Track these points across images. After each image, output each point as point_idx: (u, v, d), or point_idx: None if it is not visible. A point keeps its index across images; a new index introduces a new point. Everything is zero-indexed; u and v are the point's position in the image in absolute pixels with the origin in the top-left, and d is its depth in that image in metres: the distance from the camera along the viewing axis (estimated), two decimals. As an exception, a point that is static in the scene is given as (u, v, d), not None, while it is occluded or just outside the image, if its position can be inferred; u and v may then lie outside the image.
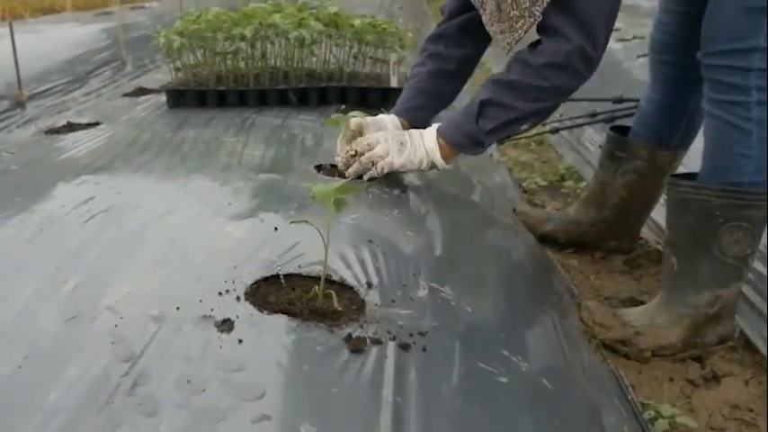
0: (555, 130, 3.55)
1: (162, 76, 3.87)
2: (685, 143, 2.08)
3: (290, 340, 1.05)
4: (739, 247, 1.64)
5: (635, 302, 1.98)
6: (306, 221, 1.18)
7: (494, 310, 1.39)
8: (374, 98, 2.74)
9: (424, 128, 1.94)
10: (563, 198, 2.94)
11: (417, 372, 1.05)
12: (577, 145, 3.43)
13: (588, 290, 2.10)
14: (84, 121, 2.75)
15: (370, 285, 1.26)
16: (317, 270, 1.26)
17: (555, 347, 1.44)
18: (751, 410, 1.56)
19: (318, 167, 1.93)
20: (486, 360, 1.16)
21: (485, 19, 1.71)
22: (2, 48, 4.08)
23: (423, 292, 1.29)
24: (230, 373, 0.96)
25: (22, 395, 0.90)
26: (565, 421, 1.16)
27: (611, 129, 2.25)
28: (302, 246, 1.33)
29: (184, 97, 2.83)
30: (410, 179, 1.89)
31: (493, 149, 3.47)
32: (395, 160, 1.76)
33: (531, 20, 1.61)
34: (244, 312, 1.11)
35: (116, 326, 1.05)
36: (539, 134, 3.68)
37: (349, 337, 1.08)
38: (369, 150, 1.77)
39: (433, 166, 1.79)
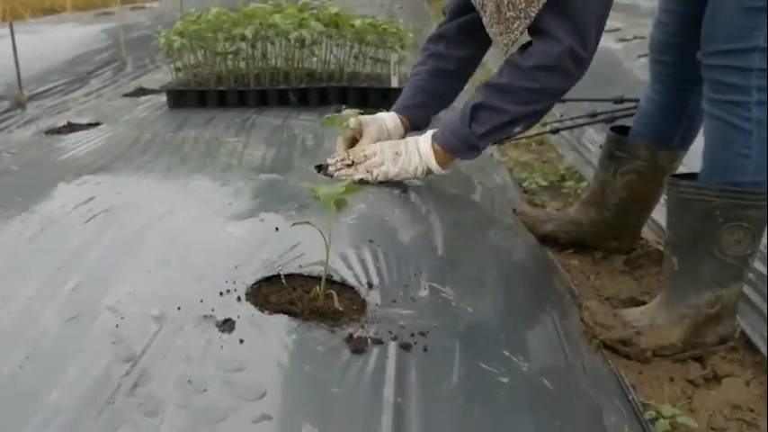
0: (555, 131, 3.55)
1: (162, 76, 3.87)
2: (685, 143, 2.08)
3: (290, 340, 1.05)
4: (740, 246, 1.64)
5: (636, 303, 1.98)
6: (307, 222, 1.18)
7: (494, 311, 1.39)
8: (375, 98, 2.73)
9: (424, 126, 1.96)
10: (563, 198, 2.94)
11: (418, 372, 1.05)
12: (578, 145, 3.43)
13: (589, 290, 2.10)
14: (84, 121, 2.75)
15: (371, 285, 1.26)
16: (317, 270, 1.26)
17: (556, 348, 1.44)
18: (752, 411, 1.56)
19: (319, 167, 1.93)
20: (487, 360, 1.16)
21: (485, 20, 1.71)
22: (2, 48, 4.08)
23: (424, 293, 1.29)
24: (231, 373, 0.96)
25: (22, 395, 0.90)
26: (565, 421, 1.16)
27: (612, 129, 2.25)
28: (303, 246, 1.33)
29: (185, 97, 2.83)
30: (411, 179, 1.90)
31: (493, 150, 3.48)
32: (390, 169, 1.78)
33: (527, 21, 1.61)
34: (245, 312, 1.11)
35: (117, 326, 1.05)
36: (539, 134, 3.69)
37: (350, 338, 1.08)
38: (365, 160, 1.80)
39: (429, 171, 1.80)
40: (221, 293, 1.16)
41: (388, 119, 1.92)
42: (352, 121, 1.86)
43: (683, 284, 1.71)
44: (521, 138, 3.62)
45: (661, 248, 2.12)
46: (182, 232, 1.42)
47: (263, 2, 3.02)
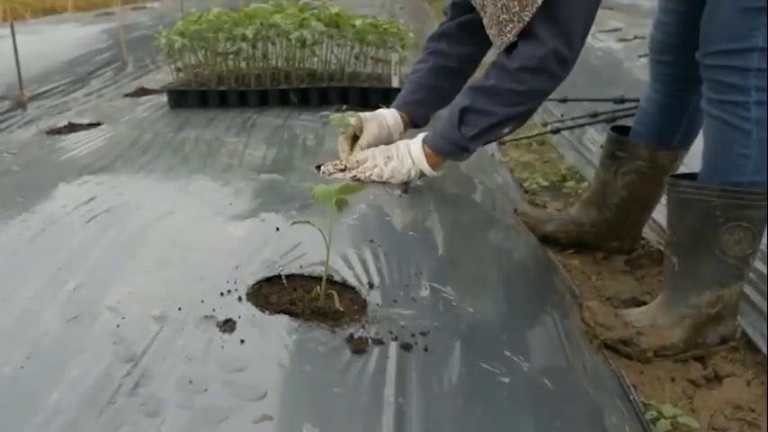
0: (556, 131, 3.55)
1: (163, 76, 3.87)
2: (686, 143, 2.08)
3: (291, 340, 1.05)
4: (740, 246, 1.63)
5: (636, 303, 1.98)
6: (308, 222, 1.18)
7: (495, 311, 1.39)
8: (375, 98, 2.73)
9: (424, 123, 1.99)
10: (564, 198, 2.94)
11: (419, 372, 1.05)
12: (579, 145, 3.43)
13: (590, 290, 2.10)
14: (85, 121, 2.76)
15: (371, 285, 1.26)
16: (318, 270, 1.26)
17: (556, 348, 1.44)
18: (753, 410, 1.56)
19: (320, 167, 1.93)
20: (488, 360, 1.16)
21: (485, 21, 1.72)
22: (3, 48, 4.09)
23: (424, 293, 1.29)
24: (232, 374, 0.96)
25: (23, 395, 0.90)
26: (566, 421, 1.16)
27: (612, 129, 2.25)
28: (304, 246, 1.33)
29: (186, 98, 2.83)
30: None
31: (494, 150, 3.48)
32: (383, 172, 1.80)
33: (521, 24, 1.62)
34: (245, 312, 1.11)
35: (118, 326, 1.05)
36: (540, 134, 3.68)
37: (351, 338, 1.08)
38: (357, 166, 1.82)
39: (422, 174, 1.82)
40: (222, 294, 1.16)
41: (389, 115, 1.93)
42: (353, 119, 1.88)
43: (684, 284, 1.70)
44: (521, 138, 3.62)
45: (662, 248, 2.12)
46: (182, 232, 1.42)
47: (264, 2, 3.02)
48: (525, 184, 3.10)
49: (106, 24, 6.26)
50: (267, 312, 1.12)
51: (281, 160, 2.05)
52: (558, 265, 2.17)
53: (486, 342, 1.24)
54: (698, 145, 1.84)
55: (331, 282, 1.24)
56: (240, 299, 1.15)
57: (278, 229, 1.42)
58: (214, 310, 1.11)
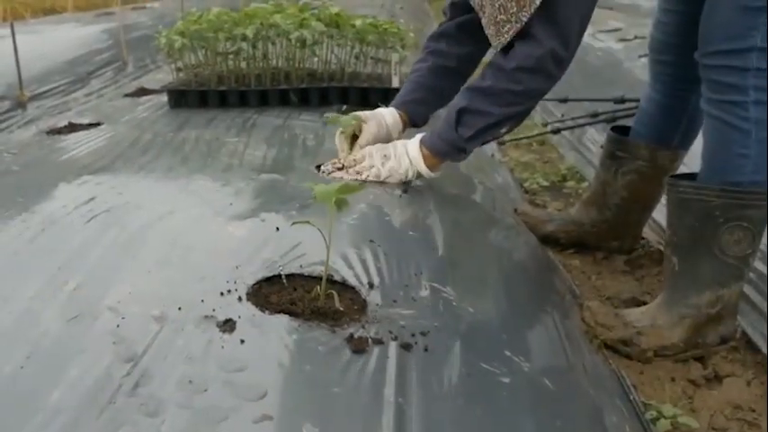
0: (557, 131, 3.55)
1: (163, 76, 3.87)
2: (686, 143, 2.08)
3: (291, 340, 1.05)
4: (740, 246, 1.63)
5: (637, 303, 1.98)
6: (308, 222, 1.18)
7: (495, 311, 1.39)
8: (376, 98, 2.73)
9: (423, 123, 1.99)
10: (565, 198, 2.94)
11: (419, 372, 1.05)
12: (579, 145, 3.43)
13: (590, 290, 2.10)
14: (85, 121, 2.76)
15: (371, 285, 1.26)
16: (318, 270, 1.26)
17: (557, 348, 1.44)
18: (753, 410, 1.56)
19: (320, 167, 1.93)
20: (488, 360, 1.16)
21: (483, 21, 1.72)
22: (3, 48, 4.09)
23: (424, 293, 1.29)
24: (232, 374, 0.96)
25: (23, 395, 0.90)
26: (567, 421, 1.16)
27: (612, 129, 2.25)
28: (304, 246, 1.33)
29: (186, 97, 2.83)
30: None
31: (494, 150, 3.48)
32: (380, 171, 1.80)
33: (518, 25, 1.62)
34: (245, 312, 1.11)
35: (118, 326, 1.05)
36: (540, 134, 3.68)
37: (351, 338, 1.08)
38: (354, 164, 1.82)
39: (419, 175, 1.82)
40: (222, 293, 1.16)
41: (388, 114, 1.93)
42: (352, 116, 1.88)
43: (684, 284, 1.70)
44: (521, 138, 3.62)
45: (662, 248, 2.12)
46: (182, 232, 1.42)
47: (264, 2, 3.02)
48: (525, 184, 3.10)
49: (106, 24, 6.26)
50: (267, 312, 1.12)
51: (282, 160, 2.05)
52: (559, 265, 2.17)
53: (487, 342, 1.24)
54: (698, 145, 1.84)
55: (331, 281, 1.24)
56: (240, 299, 1.15)
57: (278, 228, 1.42)
58: (214, 309, 1.11)
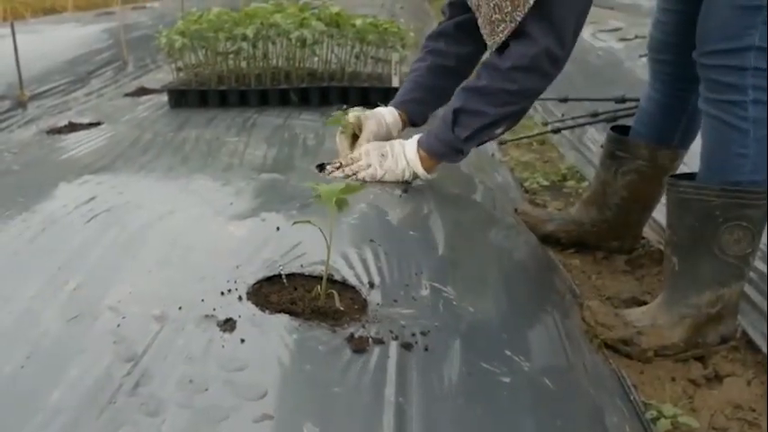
0: (557, 130, 3.55)
1: (163, 75, 3.87)
2: (686, 142, 2.08)
3: (292, 340, 1.05)
4: (740, 246, 1.63)
5: (637, 302, 1.98)
6: (308, 222, 1.18)
7: (496, 310, 1.39)
8: (376, 98, 2.73)
9: (422, 122, 1.99)
10: (565, 198, 2.94)
11: (419, 371, 1.05)
12: (579, 145, 3.42)
13: (590, 290, 2.10)
14: (85, 121, 2.76)
15: (372, 285, 1.26)
16: (319, 270, 1.26)
17: (557, 347, 1.44)
18: (753, 410, 1.56)
19: (320, 167, 1.93)
20: (489, 360, 1.16)
21: (479, 21, 1.72)
22: (3, 48, 4.09)
23: (425, 292, 1.29)
24: (232, 373, 0.96)
25: (24, 395, 0.90)
26: (567, 421, 1.16)
27: (612, 128, 2.25)
28: (304, 245, 1.33)
29: (186, 97, 2.84)
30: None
31: (495, 149, 3.48)
32: (377, 171, 1.80)
33: (513, 24, 1.62)
34: (246, 312, 1.11)
35: (118, 326, 1.05)
36: (540, 134, 3.68)
37: (351, 337, 1.08)
38: (352, 163, 1.82)
39: (415, 176, 1.82)
40: (222, 293, 1.16)
41: (387, 113, 1.93)
42: (352, 117, 1.88)
43: (684, 284, 1.70)
44: (522, 137, 3.62)
45: (662, 248, 2.12)
46: (183, 232, 1.42)
47: (265, 1, 3.03)
48: (526, 184, 3.10)
49: (106, 24, 6.27)
50: (267, 312, 1.12)
51: (282, 160, 2.05)
52: (559, 264, 2.17)
53: (487, 341, 1.24)
54: (698, 144, 1.84)
55: (331, 281, 1.24)
56: (240, 298, 1.15)
57: (278, 228, 1.42)
58: (214, 309, 1.11)
